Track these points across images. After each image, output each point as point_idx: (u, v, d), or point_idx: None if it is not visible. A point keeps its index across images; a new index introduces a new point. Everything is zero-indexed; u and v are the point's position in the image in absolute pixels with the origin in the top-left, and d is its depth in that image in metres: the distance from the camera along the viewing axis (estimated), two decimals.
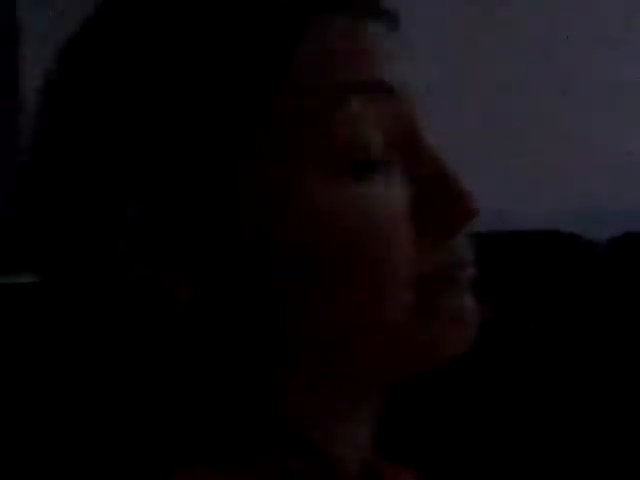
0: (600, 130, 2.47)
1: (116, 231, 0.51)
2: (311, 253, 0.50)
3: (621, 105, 2.48)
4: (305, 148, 0.50)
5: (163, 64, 0.51)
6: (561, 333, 1.95)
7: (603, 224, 2.22)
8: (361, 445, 0.56)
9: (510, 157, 2.43)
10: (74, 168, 0.52)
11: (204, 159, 0.50)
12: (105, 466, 0.52)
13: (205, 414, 0.52)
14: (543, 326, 1.93)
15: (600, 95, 2.48)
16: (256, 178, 0.50)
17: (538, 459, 1.87)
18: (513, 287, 1.97)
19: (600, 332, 1.97)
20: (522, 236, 2.11)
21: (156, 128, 0.50)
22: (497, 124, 2.44)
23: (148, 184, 0.50)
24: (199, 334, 0.51)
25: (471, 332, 0.53)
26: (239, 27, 0.51)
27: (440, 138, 0.54)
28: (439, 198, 0.51)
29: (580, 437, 1.90)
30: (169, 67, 0.50)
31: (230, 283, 0.50)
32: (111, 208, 0.51)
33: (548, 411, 1.90)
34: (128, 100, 0.51)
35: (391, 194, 0.51)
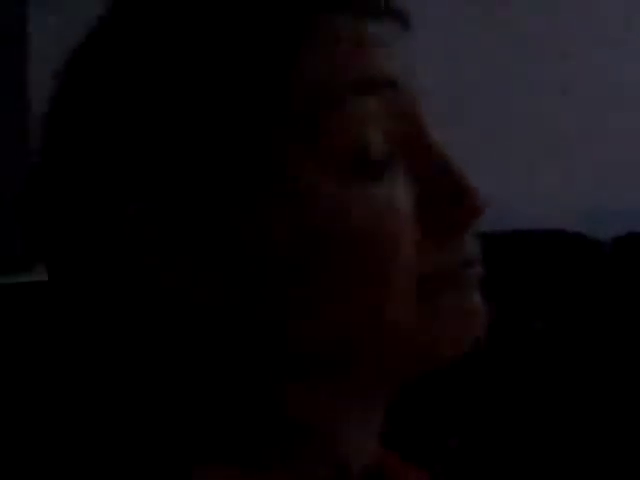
0: (600, 130, 2.47)
1: (125, 231, 0.51)
2: (314, 254, 0.50)
3: (621, 105, 2.48)
4: (306, 148, 0.50)
5: (169, 65, 0.51)
6: (567, 332, 1.95)
7: (607, 224, 2.23)
8: (367, 445, 0.56)
9: (513, 156, 2.43)
10: (82, 169, 0.53)
11: (213, 160, 0.50)
12: (123, 467, 0.52)
13: (214, 413, 0.52)
14: (549, 325, 1.93)
15: (601, 95, 2.49)
16: (263, 179, 0.50)
17: (544, 457, 1.87)
18: (519, 286, 1.97)
19: (605, 330, 1.98)
20: (528, 235, 2.12)
21: (164, 129, 0.50)
22: (498, 124, 2.44)
23: (157, 186, 0.51)
24: (212, 333, 0.51)
25: (478, 331, 0.53)
26: (244, 29, 0.51)
27: (442, 137, 0.54)
28: (445, 196, 0.51)
29: (585, 434, 1.90)
30: (175, 68, 0.51)
31: (236, 283, 0.51)
32: (120, 210, 0.51)
33: (553, 408, 1.90)
34: (135, 100, 0.51)
35: (395, 193, 0.51)
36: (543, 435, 1.89)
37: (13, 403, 1.19)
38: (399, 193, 0.51)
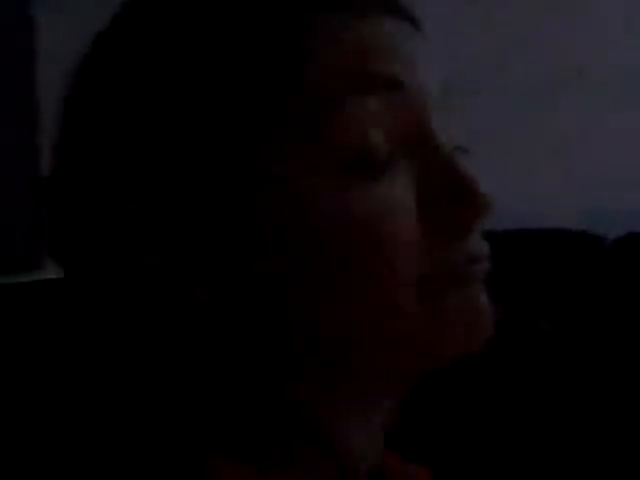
0: (600, 132, 2.47)
1: (125, 231, 0.51)
2: (314, 253, 0.50)
3: (622, 104, 2.48)
4: (306, 148, 0.50)
5: (170, 66, 0.51)
6: (571, 332, 1.95)
7: (608, 223, 2.22)
8: (370, 445, 0.56)
9: (513, 156, 2.43)
10: (87, 168, 0.53)
11: (213, 160, 0.50)
12: (135, 465, 0.52)
13: (218, 412, 0.53)
14: (554, 325, 1.93)
15: (601, 95, 2.49)
16: (263, 180, 0.50)
17: (550, 458, 1.87)
18: (523, 286, 1.96)
19: (610, 329, 1.97)
20: (531, 235, 2.11)
21: (166, 131, 0.51)
22: (500, 125, 2.44)
23: (157, 186, 0.51)
24: (213, 332, 0.52)
25: (483, 330, 0.53)
26: (244, 30, 0.51)
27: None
28: (449, 196, 0.51)
29: (588, 434, 1.90)
30: (177, 69, 0.51)
31: (236, 283, 0.51)
32: (120, 209, 0.51)
33: (557, 407, 1.90)
34: (138, 100, 0.51)
35: (396, 193, 0.50)
36: (549, 433, 1.89)
37: (20, 400, 1.19)
38: (400, 192, 0.51)
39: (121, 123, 0.52)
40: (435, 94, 0.54)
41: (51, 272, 0.58)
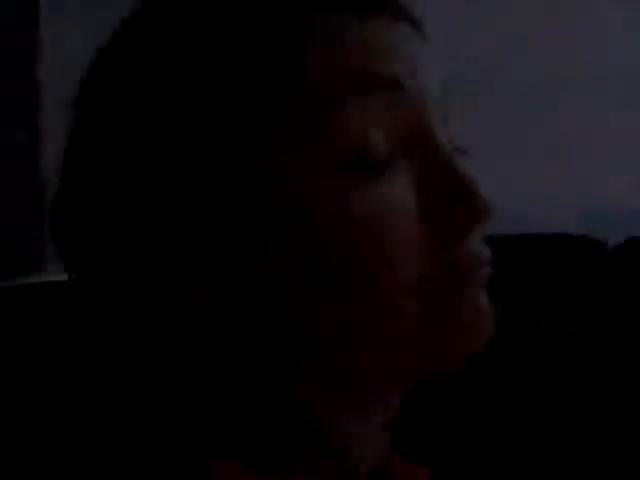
0: (600, 136, 2.46)
1: (125, 232, 0.51)
2: (314, 253, 0.50)
3: (622, 105, 2.48)
4: (306, 148, 0.50)
5: (176, 67, 0.51)
6: (572, 332, 1.95)
7: (609, 227, 2.22)
8: (375, 445, 0.56)
9: (516, 158, 2.43)
10: (95, 170, 0.53)
11: (213, 161, 0.50)
12: (136, 463, 0.52)
13: (219, 411, 0.53)
14: (554, 325, 1.93)
15: (602, 95, 2.49)
16: (263, 180, 0.50)
17: (549, 456, 1.87)
18: (524, 287, 1.97)
19: (608, 332, 1.98)
20: (532, 238, 2.12)
21: (166, 132, 0.51)
22: (500, 125, 2.44)
23: (157, 187, 0.51)
24: (213, 332, 0.52)
25: (484, 333, 0.53)
26: (244, 31, 0.51)
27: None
28: (450, 198, 0.51)
29: (588, 433, 1.91)
30: (182, 70, 0.51)
31: (236, 283, 0.51)
32: (121, 210, 0.52)
33: (556, 408, 1.90)
34: (137, 105, 0.52)
35: (395, 193, 0.50)
36: (545, 435, 1.89)
37: (18, 402, 1.19)
38: (400, 193, 0.51)
39: (123, 127, 0.53)
40: (435, 94, 0.54)
41: (53, 274, 0.58)
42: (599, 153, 2.46)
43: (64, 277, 0.55)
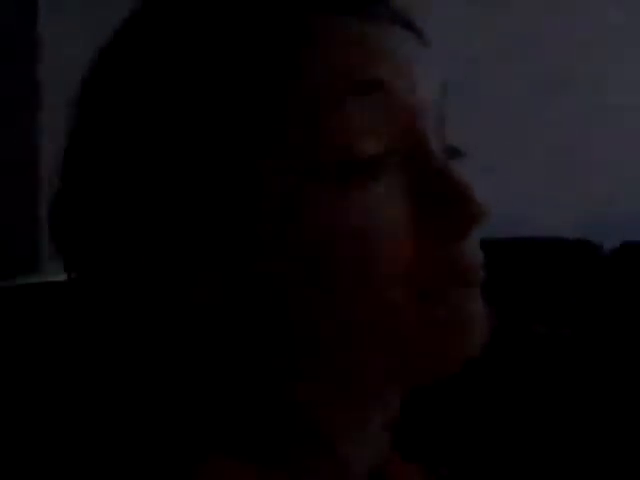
0: (600, 141, 2.47)
1: (125, 232, 0.52)
2: (313, 254, 0.50)
3: (622, 106, 2.48)
4: (303, 152, 0.50)
5: (176, 72, 0.51)
6: (566, 334, 1.96)
7: (606, 231, 2.23)
8: (374, 445, 0.56)
9: (514, 164, 2.43)
10: (96, 170, 0.53)
11: (217, 163, 0.50)
12: (128, 464, 0.52)
13: (217, 411, 0.53)
14: (549, 328, 1.94)
15: (602, 95, 2.49)
16: (261, 182, 0.50)
17: (545, 458, 1.87)
18: (520, 290, 1.98)
19: (604, 333, 1.99)
20: (529, 242, 2.13)
21: (172, 133, 0.51)
22: (500, 130, 2.45)
23: (157, 188, 0.51)
24: (213, 332, 0.52)
25: (478, 337, 0.53)
26: (245, 36, 0.51)
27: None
28: (443, 202, 0.51)
29: (584, 435, 1.91)
30: (180, 74, 0.51)
31: (241, 283, 0.51)
32: (121, 210, 0.52)
33: (551, 409, 1.91)
34: (137, 105, 0.52)
35: (391, 197, 0.51)
36: (541, 437, 1.89)
37: (17, 402, 1.19)
38: (394, 196, 0.51)
39: (124, 127, 0.53)
40: (433, 98, 0.54)
41: (50, 274, 0.58)
42: (599, 154, 2.47)
43: (61, 277, 0.55)
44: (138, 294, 0.52)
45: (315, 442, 0.54)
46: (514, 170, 2.42)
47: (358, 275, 0.50)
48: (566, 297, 2.01)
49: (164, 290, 0.51)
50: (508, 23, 2.48)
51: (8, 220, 1.92)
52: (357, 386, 0.53)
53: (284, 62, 0.51)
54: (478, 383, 1.86)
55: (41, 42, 2.09)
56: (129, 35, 0.55)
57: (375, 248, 0.50)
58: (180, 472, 0.51)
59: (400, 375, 0.53)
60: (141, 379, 0.55)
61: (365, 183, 0.50)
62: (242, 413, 0.53)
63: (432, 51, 0.56)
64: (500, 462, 1.86)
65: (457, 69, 2.29)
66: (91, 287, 0.54)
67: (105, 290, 0.54)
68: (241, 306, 0.51)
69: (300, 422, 0.53)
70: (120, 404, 0.55)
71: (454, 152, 0.55)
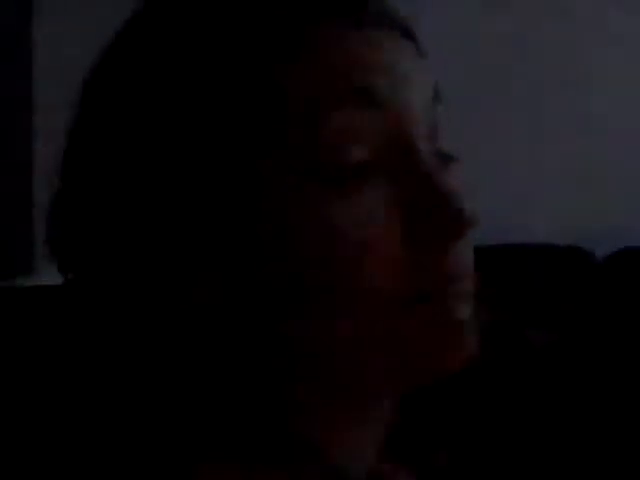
0: (598, 149, 2.46)
1: (125, 232, 0.52)
2: (308, 257, 0.50)
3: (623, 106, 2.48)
4: (292, 161, 0.51)
5: (172, 80, 0.52)
6: (562, 340, 1.97)
7: (599, 239, 2.23)
8: (366, 452, 0.56)
9: (512, 169, 2.43)
10: (97, 171, 0.53)
11: (209, 165, 0.51)
12: (125, 466, 0.53)
13: (217, 412, 0.53)
14: (544, 334, 1.95)
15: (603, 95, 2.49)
16: (263, 186, 0.51)
17: (541, 466, 1.88)
18: (514, 297, 1.99)
19: (594, 342, 2.00)
20: (525, 249, 2.14)
21: (171, 139, 0.52)
22: (499, 135, 2.45)
23: (165, 188, 0.52)
24: (212, 333, 0.52)
25: (463, 349, 0.52)
26: (243, 47, 0.52)
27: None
28: (430, 211, 0.51)
29: (581, 441, 1.92)
30: (174, 83, 0.52)
31: (241, 284, 0.51)
32: (129, 211, 0.52)
33: (544, 415, 1.92)
34: (137, 105, 0.52)
35: (378, 207, 0.51)
36: (539, 444, 1.90)
37: (14, 404, 1.19)
38: (381, 206, 0.51)
39: (124, 128, 0.53)
40: (425, 106, 0.54)
41: (45, 276, 0.58)
42: (598, 153, 2.47)
43: (56, 279, 0.55)
44: (138, 294, 0.52)
45: (307, 448, 0.54)
46: (503, 176, 2.42)
47: (356, 274, 0.50)
48: (557, 304, 2.02)
49: (164, 290, 0.52)
50: (508, 23, 2.48)
51: (2, 221, 1.92)
52: (355, 387, 0.53)
53: (284, 64, 0.51)
54: (473, 388, 1.86)
55: (37, 42, 2.09)
56: (131, 36, 0.55)
57: (357, 259, 0.50)
58: (178, 473, 0.52)
59: (395, 378, 0.53)
60: (138, 380, 0.55)
61: (350, 195, 0.51)
62: (239, 415, 0.53)
63: (429, 56, 0.56)
64: (494, 467, 1.86)
65: (457, 69, 2.29)
66: (90, 288, 0.55)
67: (104, 291, 0.54)
68: (240, 306, 0.52)
69: (296, 425, 0.54)
70: (119, 405, 0.55)
71: (448, 158, 0.55)
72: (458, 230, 0.51)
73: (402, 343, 0.51)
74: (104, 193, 0.53)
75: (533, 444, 1.89)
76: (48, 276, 0.58)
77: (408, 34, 0.55)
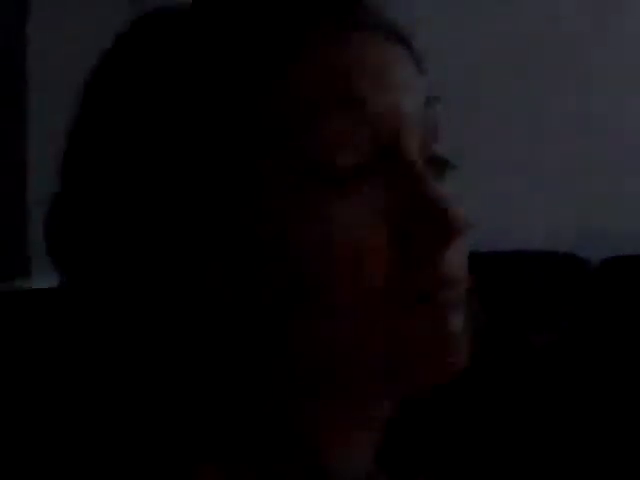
0: (598, 149, 2.47)
1: (125, 229, 0.52)
2: (308, 257, 0.51)
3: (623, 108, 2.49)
4: (280, 164, 0.51)
5: (168, 86, 0.52)
6: (562, 341, 1.98)
7: (595, 245, 2.23)
8: (365, 453, 0.56)
9: (510, 178, 2.43)
10: (96, 172, 0.54)
11: (215, 167, 0.51)
12: (123, 466, 0.53)
13: (217, 415, 0.53)
14: (546, 339, 1.96)
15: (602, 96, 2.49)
16: (263, 186, 0.51)
17: (541, 469, 1.88)
18: (516, 303, 2.00)
19: (590, 349, 2.01)
20: (523, 255, 2.16)
21: (161, 136, 0.52)
22: (498, 140, 2.45)
23: (163, 189, 0.52)
24: (211, 333, 0.52)
25: (451, 358, 0.52)
26: (241, 50, 0.52)
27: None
28: (421, 218, 0.51)
29: (580, 444, 1.92)
30: (169, 89, 0.52)
31: (242, 284, 0.52)
32: (128, 211, 0.52)
33: (541, 418, 1.92)
34: (134, 106, 0.53)
35: (366, 212, 0.51)
36: (538, 447, 1.90)
37: (13, 406, 1.19)
38: (370, 211, 0.51)
39: (124, 129, 0.53)
40: (418, 111, 0.54)
41: (36, 279, 0.58)
42: (597, 147, 2.47)
43: (50, 281, 0.55)
44: (137, 295, 0.52)
45: (310, 445, 0.54)
46: (501, 183, 2.42)
47: (356, 274, 0.50)
48: (553, 311, 2.03)
49: (163, 291, 0.52)
50: (508, 23, 2.48)
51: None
52: (355, 387, 0.53)
53: (284, 64, 0.51)
54: (473, 392, 1.87)
55: (31, 42, 2.09)
56: (131, 39, 0.55)
57: (346, 263, 0.50)
58: (178, 474, 0.52)
59: (395, 378, 0.53)
60: (135, 381, 0.54)
61: (339, 199, 0.51)
62: (239, 415, 0.53)
63: (429, 57, 0.56)
64: (495, 463, 1.86)
65: (457, 69, 2.29)
66: (88, 289, 0.55)
67: (103, 292, 0.54)
68: (240, 306, 0.52)
69: (296, 425, 0.54)
70: (118, 405, 0.55)
71: (443, 163, 0.54)
72: (445, 237, 0.51)
73: (402, 343, 0.51)
74: (105, 194, 0.53)
75: (533, 444, 1.89)
76: (44, 279, 0.58)
77: (403, 41, 0.55)
